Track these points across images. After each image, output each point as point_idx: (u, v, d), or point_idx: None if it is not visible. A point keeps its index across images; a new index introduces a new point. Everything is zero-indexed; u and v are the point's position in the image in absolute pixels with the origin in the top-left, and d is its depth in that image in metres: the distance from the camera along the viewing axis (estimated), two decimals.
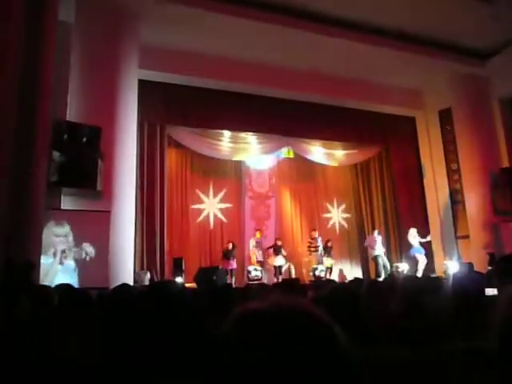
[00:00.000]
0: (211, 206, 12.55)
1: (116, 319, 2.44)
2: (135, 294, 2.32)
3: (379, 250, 11.82)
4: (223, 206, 12.67)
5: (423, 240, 11.75)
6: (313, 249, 12.08)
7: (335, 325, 0.60)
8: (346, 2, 9.40)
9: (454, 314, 2.23)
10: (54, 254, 6.98)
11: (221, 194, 12.71)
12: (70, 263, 7.13)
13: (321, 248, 11.96)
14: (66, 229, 7.13)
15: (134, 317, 1.43)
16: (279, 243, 11.72)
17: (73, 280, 6.91)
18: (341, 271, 12.92)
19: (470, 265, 9.94)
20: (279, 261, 11.52)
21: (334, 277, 11.94)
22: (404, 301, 2.81)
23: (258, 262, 11.60)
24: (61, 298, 3.21)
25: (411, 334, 1.86)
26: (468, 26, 10.24)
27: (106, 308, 2.98)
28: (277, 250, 11.56)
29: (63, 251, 7.05)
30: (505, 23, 9.80)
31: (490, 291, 2.34)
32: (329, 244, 12.26)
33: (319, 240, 12.11)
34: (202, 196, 12.51)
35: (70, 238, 7.17)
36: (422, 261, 11.50)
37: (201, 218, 12.34)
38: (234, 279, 10.82)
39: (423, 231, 12.11)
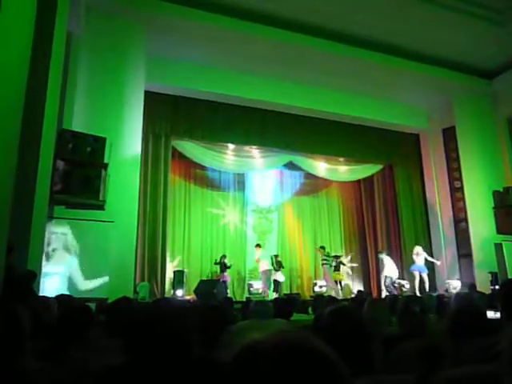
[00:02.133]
0: (214, 218, 12.56)
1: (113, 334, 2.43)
2: (134, 312, 2.30)
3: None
4: (226, 218, 12.68)
5: (430, 259, 11.69)
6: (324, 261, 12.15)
7: (337, 357, 0.60)
8: (352, 19, 9.48)
9: (456, 336, 2.20)
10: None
11: (223, 207, 12.73)
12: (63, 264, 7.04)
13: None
14: (64, 228, 7.12)
15: (131, 336, 1.43)
16: (279, 259, 11.68)
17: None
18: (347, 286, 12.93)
19: (472, 285, 9.88)
20: (280, 276, 11.49)
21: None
22: (404, 321, 2.79)
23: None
24: (60, 308, 3.20)
25: (412, 357, 1.84)
26: (474, 45, 10.31)
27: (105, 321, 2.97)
28: (277, 266, 11.53)
29: (54, 250, 6.97)
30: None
31: (492, 314, 2.30)
32: (338, 260, 12.36)
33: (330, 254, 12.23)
34: (205, 208, 12.52)
35: (68, 237, 7.14)
36: (423, 279, 11.42)
37: (203, 230, 12.32)
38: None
39: (426, 249, 12.07)
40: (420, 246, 11.85)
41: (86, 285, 7.10)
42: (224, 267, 11.04)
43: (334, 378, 0.58)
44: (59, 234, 7.04)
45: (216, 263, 11.24)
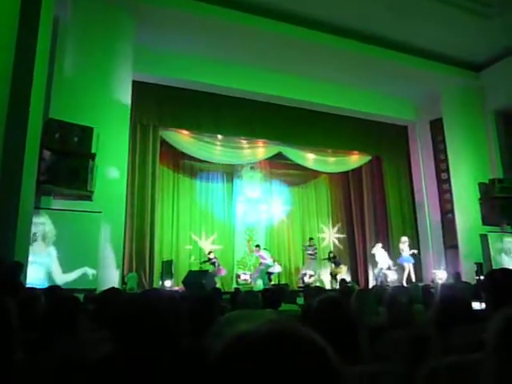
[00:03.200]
0: (202, 209, 12.55)
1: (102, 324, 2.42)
2: (123, 302, 2.30)
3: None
4: (214, 209, 12.68)
5: (410, 252, 11.78)
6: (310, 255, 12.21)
7: (327, 345, 0.60)
8: (342, 10, 9.45)
9: (442, 325, 2.24)
10: None
11: (212, 197, 12.73)
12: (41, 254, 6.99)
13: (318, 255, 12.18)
14: (42, 218, 7.04)
15: (120, 326, 1.42)
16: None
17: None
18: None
19: (458, 274, 10.01)
20: (276, 268, 11.61)
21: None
22: (391, 311, 2.82)
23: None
24: (47, 299, 3.18)
25: (399, 346, 1.87)
26: (462, 38, 10.35)
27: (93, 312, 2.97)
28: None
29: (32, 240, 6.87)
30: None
31: (477, 305, 2.33)
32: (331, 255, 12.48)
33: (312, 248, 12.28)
34: (194, 199, 12.51)
35: (47, 227, 7.06)
36: (409, 270, 11.54)
37: (191, 221, 12.31)
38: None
39: (412, 240, 12.22)
40: (406, 236, 11.99)
41: (66, 277, 7.03)
42: (212, 262, 10.98)
43: (325, 365, 0.58)
44: (38, 224, 6.95)
45: (205, 262, 11.11)
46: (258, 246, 11.88)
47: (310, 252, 12.29)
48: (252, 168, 13.26)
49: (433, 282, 10.88)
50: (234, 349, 0.59)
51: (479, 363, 1.20)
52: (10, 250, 5.10)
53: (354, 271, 13.62)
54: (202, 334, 2.15)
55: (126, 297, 3.41)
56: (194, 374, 1.13)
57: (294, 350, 0.57)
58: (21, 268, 4.72)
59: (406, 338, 2.17)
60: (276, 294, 4.40)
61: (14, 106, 5.38)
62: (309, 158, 12.96)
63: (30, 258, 6.20)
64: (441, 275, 11.16)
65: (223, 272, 11.06)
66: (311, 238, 12.79)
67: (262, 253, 11.54)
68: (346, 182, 14.36)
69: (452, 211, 11.91)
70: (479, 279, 9.54)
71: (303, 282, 11.67)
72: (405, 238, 11.81)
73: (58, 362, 1.70)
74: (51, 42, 6.90)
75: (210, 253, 11.21)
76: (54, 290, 3.68)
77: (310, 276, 11.78)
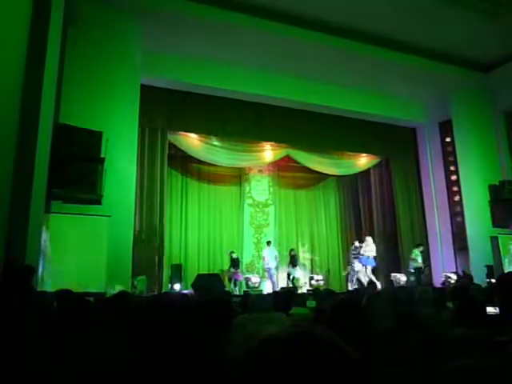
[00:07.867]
0: (211, 212, 12.57)
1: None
2: (135, 307, 2.31)
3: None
4: (223, 212, 12.69)
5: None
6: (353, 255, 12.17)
7: (350, 349, 0.61)
8: (349, 12, 9.44)
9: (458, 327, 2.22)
10: None
11: (220, 201, 12.74)
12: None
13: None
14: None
15: (133, 331, 1.43)
16: (293, 254, 11.80)
17: None
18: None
19: (469, 277, 9.94)
20: (297, 272, 11.61)
21: None
22: (398, 314, 2.80)
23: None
24: (59, 303, 3.20)
25: (409, 349, 1.85)
26: (471, 39, 10.30)
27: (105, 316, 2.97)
28: (293, 261, 11.61)
29: None
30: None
31: (492, 310, 2.31)
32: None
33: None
34: (202, 202, 12.53)
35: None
36: (363, 271, 11.49)
37: (200, 224, 12.33)
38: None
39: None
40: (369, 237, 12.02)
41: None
42: (233, 262, 11.17)
43: (354, 367, 0.58)
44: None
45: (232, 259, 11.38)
46: (268, 242, 11.95)
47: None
48: (260, 171, 13.27)
49: (443, 284, 10.82)
50: (263, 352, 0.59)
51: (496, 366, 1.19)
52: (21, 255, 5.14)
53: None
54: (216, 337, 2.15)
55: (139, 301, 3.42)
56: (212, 377, 1.13)
57: (319, 351, 0.57)
58: (32, 272, 4.74)
59: (418, 341, 2.15)
60: (286, 298, 4.39)
61: (25, 112, 5.42)
62: (317, 161, 12.91)
63: None
64: (451, 278, 11.07)
65: (240, 277, 11.22)
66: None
67: (266, 253, 11.65)
68: (354, 184, 14.30)
69: (462, 213, 11.83)
70: (490, 282, 9.47)
71: (311, 285, 11.65)
72: (368, 238, 11.81)
73: (73, 365, 1.70)
74: (60, 48, 6.97)
75: (231, 253, 11.39)
76: (65, 293, 3.69)
77: (317, 280, 11.75)
